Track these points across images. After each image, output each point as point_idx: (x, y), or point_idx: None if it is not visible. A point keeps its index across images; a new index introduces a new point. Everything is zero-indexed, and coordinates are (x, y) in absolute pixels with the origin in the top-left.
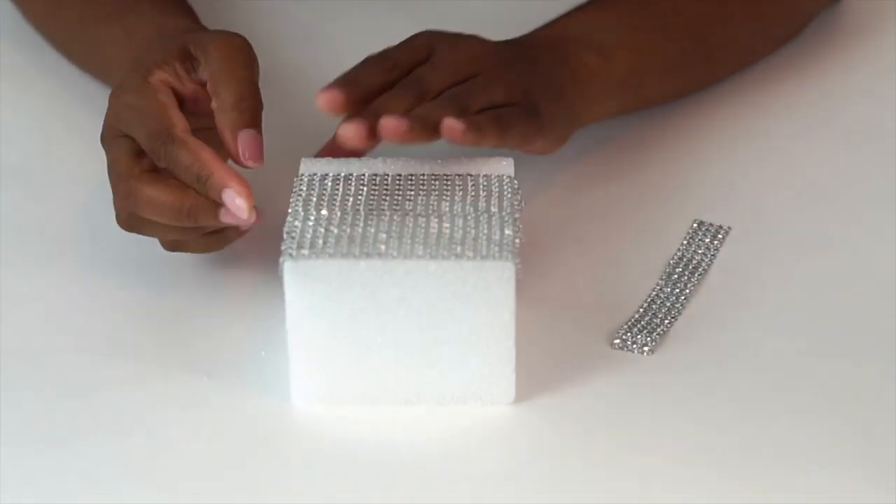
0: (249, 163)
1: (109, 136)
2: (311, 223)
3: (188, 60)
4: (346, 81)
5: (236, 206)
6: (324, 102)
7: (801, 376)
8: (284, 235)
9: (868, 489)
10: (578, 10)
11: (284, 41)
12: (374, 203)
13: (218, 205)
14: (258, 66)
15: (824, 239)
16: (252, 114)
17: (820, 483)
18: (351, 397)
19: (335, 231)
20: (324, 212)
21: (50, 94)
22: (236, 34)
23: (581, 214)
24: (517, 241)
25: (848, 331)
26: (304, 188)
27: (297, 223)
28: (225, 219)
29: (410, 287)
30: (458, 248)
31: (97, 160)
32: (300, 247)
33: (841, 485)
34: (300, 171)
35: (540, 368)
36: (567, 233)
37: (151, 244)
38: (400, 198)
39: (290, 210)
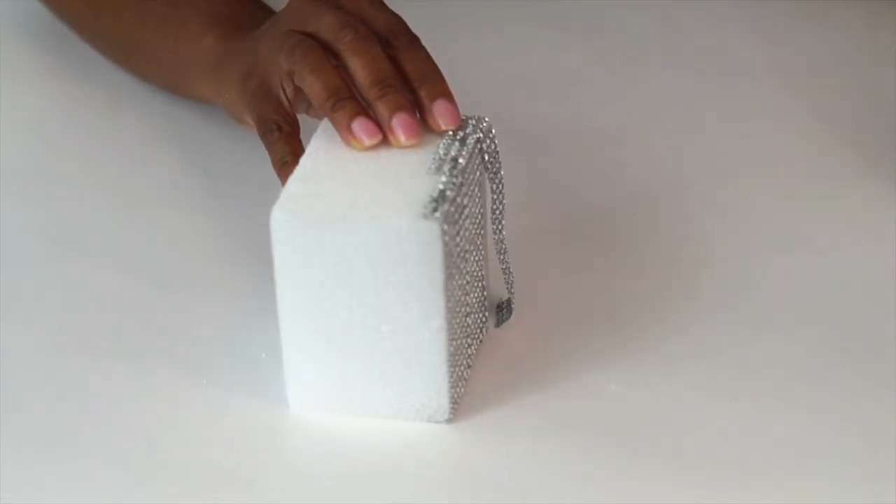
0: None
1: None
2: None
3: None
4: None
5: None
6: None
7: (801, 377)
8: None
9: (868, 489)
10: None
11: None
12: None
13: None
14: None
15: (823, 239)
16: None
17: (821, 482)
18: None
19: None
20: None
21: (50, 94)
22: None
23: (573, 215)
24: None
25: (848, 330)
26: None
27: None
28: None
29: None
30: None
31: (97, 160)
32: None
33: (841, 484)
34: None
35: (536, 368)
36: (561, 234)
37: (151, 244)
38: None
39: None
